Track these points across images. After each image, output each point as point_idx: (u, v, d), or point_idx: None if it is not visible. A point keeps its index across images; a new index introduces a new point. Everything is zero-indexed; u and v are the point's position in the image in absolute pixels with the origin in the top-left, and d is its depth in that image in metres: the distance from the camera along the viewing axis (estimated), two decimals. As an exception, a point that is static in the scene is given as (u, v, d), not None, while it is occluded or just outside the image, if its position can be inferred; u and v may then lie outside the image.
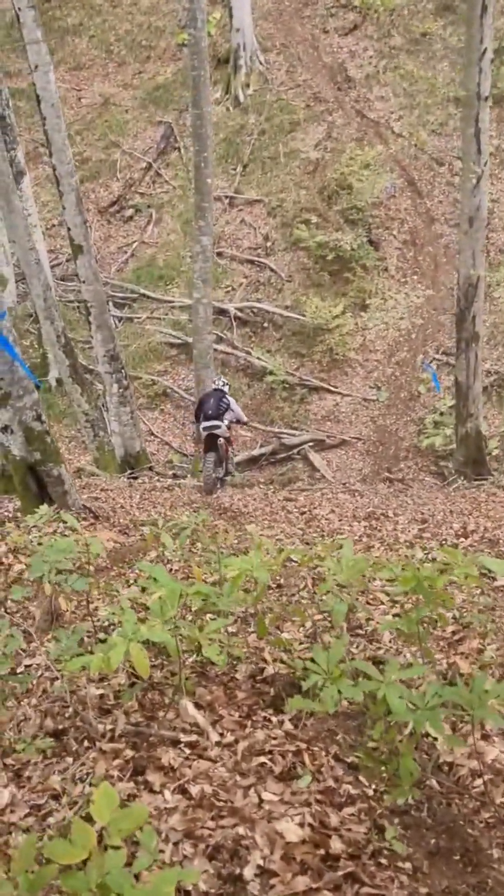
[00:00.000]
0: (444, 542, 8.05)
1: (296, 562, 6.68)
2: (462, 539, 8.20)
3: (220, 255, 25.38)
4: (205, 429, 14.97)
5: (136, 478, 16.73)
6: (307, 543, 8.58)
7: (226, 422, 15.11)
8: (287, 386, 23.07)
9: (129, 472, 17.30)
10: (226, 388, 15.95)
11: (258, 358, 23.65)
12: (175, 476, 18.67)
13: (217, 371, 21.74)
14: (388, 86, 28.06)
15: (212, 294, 20.25)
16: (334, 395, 23.29)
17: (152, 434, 22.48)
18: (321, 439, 22.25)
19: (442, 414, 21.85)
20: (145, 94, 29.97)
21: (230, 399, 15.53)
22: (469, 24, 14.35)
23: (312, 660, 3.61)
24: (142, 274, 26.16)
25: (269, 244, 25.86)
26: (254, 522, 10.59)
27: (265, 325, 24.52)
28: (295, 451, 22.01)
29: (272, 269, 25.33)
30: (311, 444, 22.12)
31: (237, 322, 24.41)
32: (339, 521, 10.68)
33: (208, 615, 5.01)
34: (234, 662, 4.75)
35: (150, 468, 18.46)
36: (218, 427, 14.89)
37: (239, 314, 24.52)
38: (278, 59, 29.47)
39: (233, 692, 4.34)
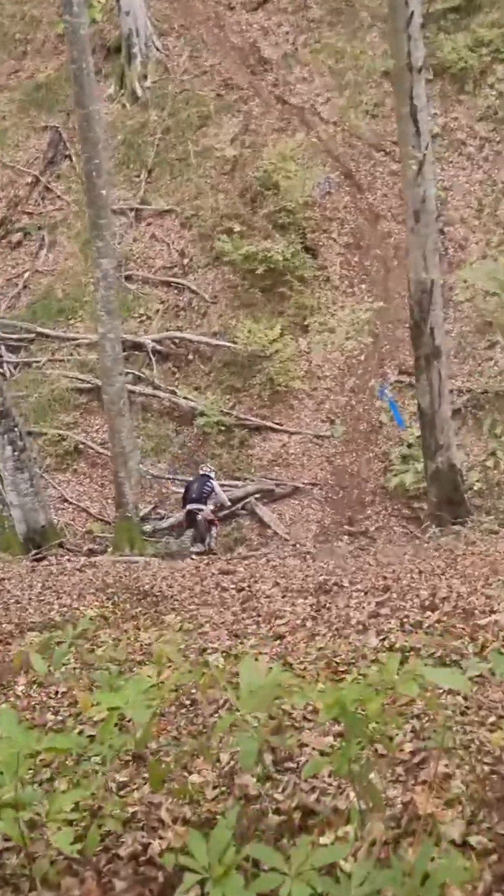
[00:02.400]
0: (405, 619, 7.60)
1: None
2: (429, 613, 7.75)
3: (128, 279, 25.33)
4: (187, 510, 18.96)
5: (41, 559, 16.23)
6: (236, 636, 8.10)
7: (210, 505, 19.00)
8: (223, 428, 22.98)
9: (33, 552, 16.80)
10: (212, 474, 19.64)
11: (185, 398, 23.56)
12: (91, 552, 18.23)
13: (137, 419, 21.49)
14: (309, 65, 28.14)
15: (122, 326, 20.13)
16: (280, 434, 23.27)
17: (65, 501, 22.13)
18: (269, 489, 22.17)
19: (410, 446, 21.72)
20: (24, 95, 29.81)
21: (214, 483, 19.27)
22: (390, -16, 14.14)
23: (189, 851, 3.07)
24: (38, 309, 25.91)
25: (186, 261, 25.78)
26: (177, 610, 10.09)
27: (190, 357, 24.45)
28: (239, 505, 21.83)
29: (193, 291, 25.27)
30: (258, 495, 22.01)
31: (156, 357, 24.30)
32: (283, 597, 10.19)
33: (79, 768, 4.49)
34: (118, 833, 4.21)
35: (61, 544, 18.11)
36: (200, 509, 18.75)
37: (157, 347, 24.41)
38: (178, 43, 29.46)
39: (109, 883, 3.79)
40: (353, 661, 6.74)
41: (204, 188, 26.47)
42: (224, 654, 7.20)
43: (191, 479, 20.36)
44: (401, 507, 21.32)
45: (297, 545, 18.08)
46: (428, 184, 15.35)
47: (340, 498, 21.87)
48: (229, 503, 20.54)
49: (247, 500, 21.84)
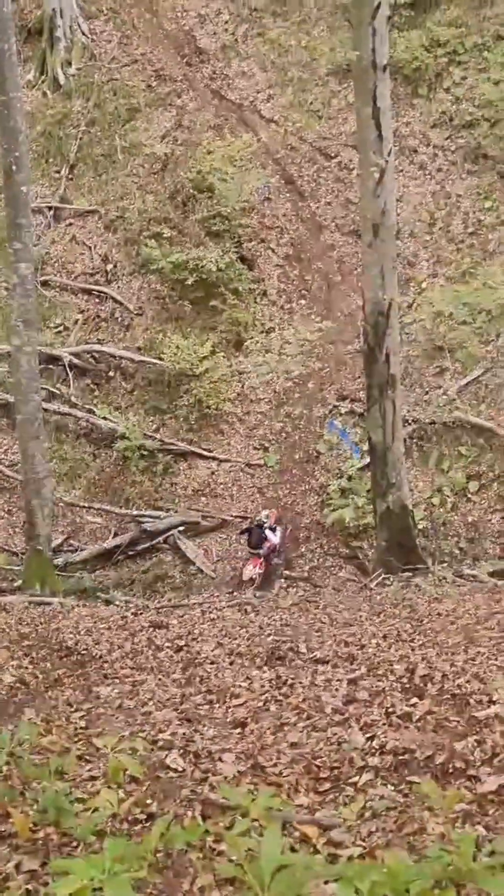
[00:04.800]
0: (391, 710, 6.97)
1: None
2: (416, 700, 7.16)
3: (45, 284, 24.75)
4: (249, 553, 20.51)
5: None
6: (188, 721, 7.41)
7: (264, 549, 20.10)
8: (145, 453, 22.58)
9: None
10: (266, 521, 20.47)
11: (104, 418, 23.14)
12: (-1, 592, 17.40)
13: (50, 440, 21.20)
14: (250, 58, 28.05)
15: (38, 337, 19.35)
16: (208, 461, 22.98)
17: (-32, 531, 21.24)
18: (195, 521, 21.82)
19: (351, 478, 21.56)
20: None
21: (268, 532, 20.21)
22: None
23: None
24: None
25: (109, 267, 25.40)
26: (109, 677, 9.38)
27: (111, 373, 24.10)
28: (161, 538, 21.47)
29: (116, 301, 24.89)
30: (181, 528, 21.65)
31: (74, 372, 23.82)
32: (231, 663, 9.64)
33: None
34: None
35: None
36: (259, 556, 20.08)
37: (75, 361, 23.95)
38: (107, 28, 29.03)
39: None
40: (337, 765, 6.10)
41: (131, 188, 26.09)
42: (182, 753, 6.47)
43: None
44: (339, 545, 21.10)
45: (234, 594, 17.33)
46: (389, 195, 15.18)
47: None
48: (280, 549, 20.90)
49: (169, 534, 21.46)
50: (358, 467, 21.43)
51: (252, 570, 19.85)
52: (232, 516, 22.02)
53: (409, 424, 21.58)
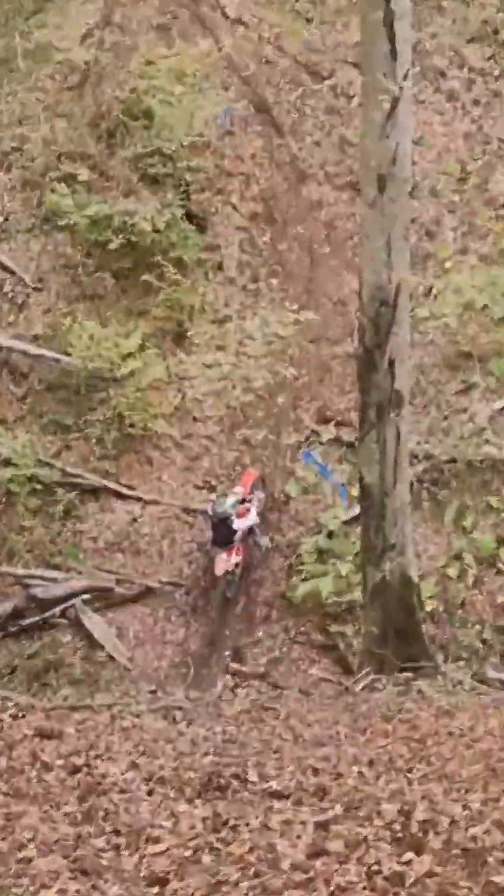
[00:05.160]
0: (374, 868, 7.03)
1: None
2: (411, 855, 7.22)
3: None
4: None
5: None
6: (84, 874, 7.44)
7: (238, 538, 21.16)
8: (39, 487, 22.59)
9: None
10: (233, 510, 21.33)
11: None
12: None
13: None
14: None
15: None
16: (129, 502, 23.03)
17: None
18: (107, 588, 21.96)
19: (332, 535, 21.68)
20: None
21: (237, 522, 21.06)
22: None
23: None
24: None
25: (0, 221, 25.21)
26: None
27: None
28: (57, 610, 21.57)
29: (5, 268, 24.86)
30: (87, 596, 21.77)
31: None
32: (149, 794, 9.69)
33: None
34: None
35: None
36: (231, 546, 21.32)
37: None
38: None
39: None
40: None
41: (35, 109, 26.11)
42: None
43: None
44: (311, 629, 21.31)
45: (155, 694, 17.78)
46: (403, 134, 15.39)
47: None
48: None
49: (69, 604, 21.56)
50: (343, 520, 21.58)
51: (227, 562, 21.06)
52: (160, 583, 22.11)
53: (419, 462, 21.78)
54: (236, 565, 21.11)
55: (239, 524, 21.13)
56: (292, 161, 25.91)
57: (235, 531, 21.08)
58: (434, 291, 23.20)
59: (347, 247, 24.21)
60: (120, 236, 23.88)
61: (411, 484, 20.46)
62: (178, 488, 23.21)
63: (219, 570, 20.97)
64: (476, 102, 25.47)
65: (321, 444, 23.19)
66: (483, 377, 22.80)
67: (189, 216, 24.91)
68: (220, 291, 24.75)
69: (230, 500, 21.53)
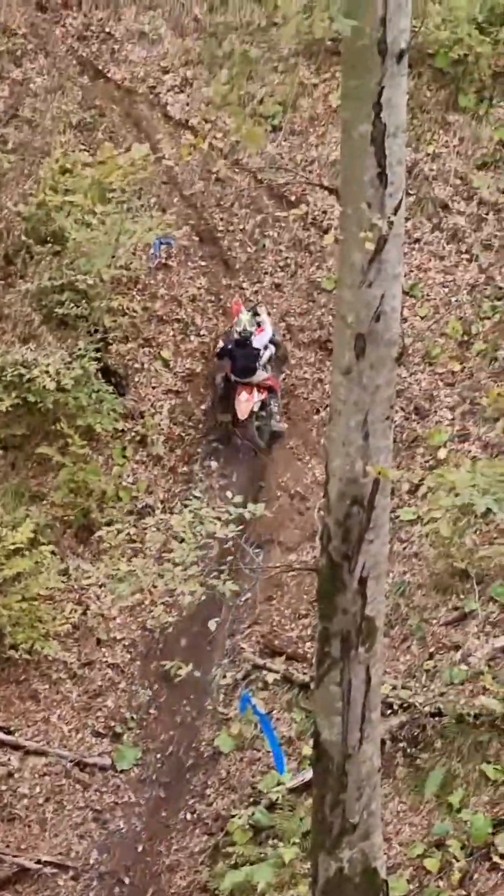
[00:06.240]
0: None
1: None
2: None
3: None
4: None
5: None
6: None
7: (261, 364, 22.72)
8: None
9: None
10: (253, 329, 22.25)
11: None
12: None
13: None
14: (156, 8, 27.18)
15: None
16: (3, 750, 20.87)
17: None
18: None
19: (274, 806, 19.34)
20: None
21: (256, 339, 22.27)
22: None
23: None
24: None
25: None
26: None
27: None
28: None
29: None
30: None
31: None
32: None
33: None
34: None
35: None
36: (251, 384, 22.94)
37: None
38: None
39: None
40: None
41: None
42: None
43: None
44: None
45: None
46: (390, 281, 12.70)
47: (118, 899, 19.98)
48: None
49: None
50: (289, 787, 19.00)
51: (248, 402, 22.23)
52: (41, 862, 19.72)
53: (395, 714, 19.42)
54: (259, 403, 22.35)
55: (259, 341, 22.32)
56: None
57: (258, 355, 22.27)
58: (423, 488, 20.26)
59: (312, 423, 23.15)
60: (13, 394, 21.67)
61: (383, 743, 17.57)
62: (72, 734, 20.84)
63: (242, 413, 22.06)
64: (487, 245, 23.37)
65: (265, 683, 20.52)
66: (481, 604, 20.11)
67: (106, 372, 23.01)
68: (140, 474, 22.92)
69: (245, 315, 22.69)
